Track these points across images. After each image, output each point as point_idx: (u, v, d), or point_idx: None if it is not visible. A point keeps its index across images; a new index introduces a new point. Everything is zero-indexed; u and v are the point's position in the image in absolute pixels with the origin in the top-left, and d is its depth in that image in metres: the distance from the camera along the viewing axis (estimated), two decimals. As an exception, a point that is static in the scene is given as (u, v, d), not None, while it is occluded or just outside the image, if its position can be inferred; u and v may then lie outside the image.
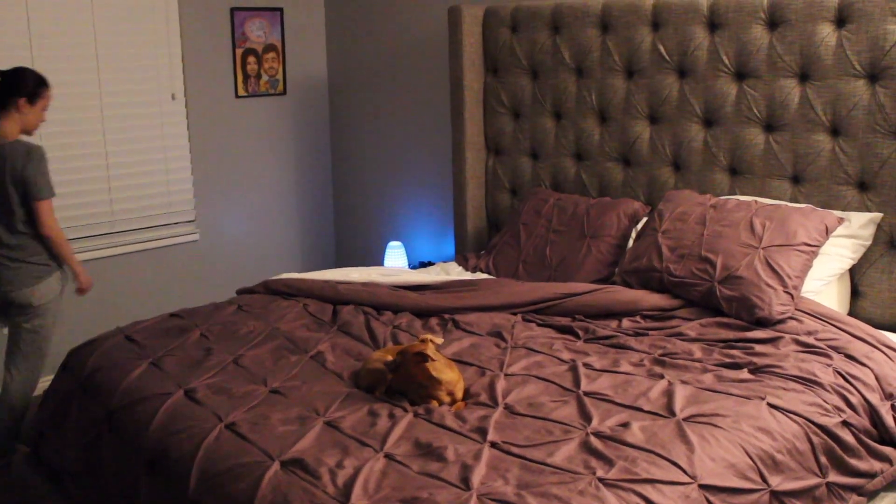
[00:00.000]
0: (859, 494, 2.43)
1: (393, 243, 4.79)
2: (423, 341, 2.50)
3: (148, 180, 4.65)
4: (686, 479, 2.03)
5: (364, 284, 3.49)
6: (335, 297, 3.41)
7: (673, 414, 2.30)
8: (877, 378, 2.62)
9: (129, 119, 4.53)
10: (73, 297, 4.50)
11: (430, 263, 4.41)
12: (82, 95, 4.35)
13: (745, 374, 2.57)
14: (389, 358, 2.54)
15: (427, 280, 3.53)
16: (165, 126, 4.68)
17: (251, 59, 4.98)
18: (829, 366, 2.60)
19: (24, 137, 3.49)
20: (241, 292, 3.63)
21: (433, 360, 2.42)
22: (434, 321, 3.18)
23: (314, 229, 5.48)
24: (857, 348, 2.72)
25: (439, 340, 2.55)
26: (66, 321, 4.42)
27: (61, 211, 4.32)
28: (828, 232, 3.02)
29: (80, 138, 4.37)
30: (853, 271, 3.19)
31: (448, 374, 2.46)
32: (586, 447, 2.15)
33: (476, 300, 3.27)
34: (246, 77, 4.98)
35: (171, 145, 4.72)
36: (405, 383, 2.50)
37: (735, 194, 3.43)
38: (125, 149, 4.54)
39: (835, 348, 2.71)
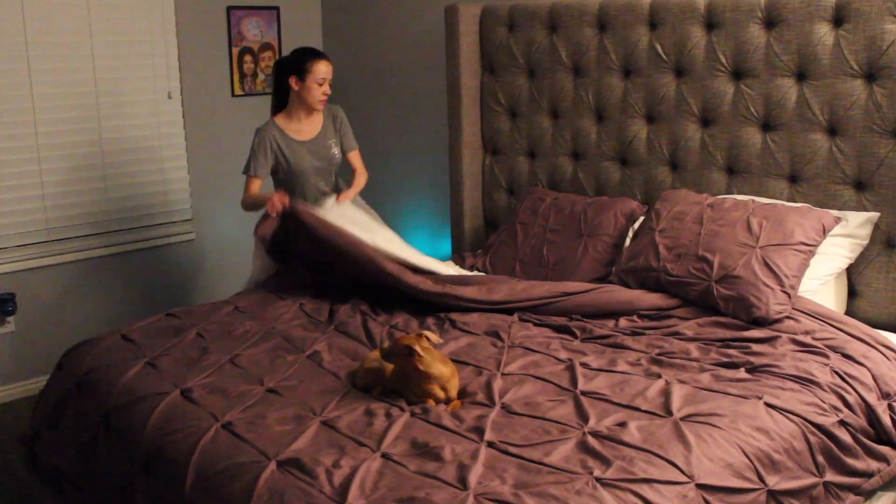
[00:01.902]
0: (856, 494, 2.43)
1: (390, 242, 4.78)
2: (420, 336, 2.49)
3: (144, 179, 4.64)
4: (683, 478, 2.03)
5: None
6: (348, 251, 3.32)
7: (670, 413, 2.30)
8: (874, 377, 2.62)
9: (125, 118, 4.52)
10: (70, 295, 4.50)
11: (426, 263, 4.39)
12: (78, 94, 4.34)
13: (742, 373, 2.57)
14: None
15: (433, 268, 3.47)
16: (162, 125, 4.67)
17: (247, 57, 4.97)
18: (826, 365, 2.60)
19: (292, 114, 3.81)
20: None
21: (420, 355, 2.41)
22: (431, 321, 3.17)
23: (311, 228, 5.47)
24: (855, 348, 2.72)
25: (436, 339, 2.54)
26: (62, 320, 4.41)
27: (62, 210, 4.34)
28: (825, 231, 3.02)
29: (76, 137, 4.36)
30: (850, 271, 3.19)
31: (439, 369, 2.45)
32: (583, 447, 2.14)
33: (474, 292, 3.24)
34: (242, 76, 4.97)
35: (167, 144, 4.71)
36: (400, 378, 2.49)
37: (732, 193, 3.43)
38: (121, 148, 4.52)
39: (832, 348, 2.71)
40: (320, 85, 3.72)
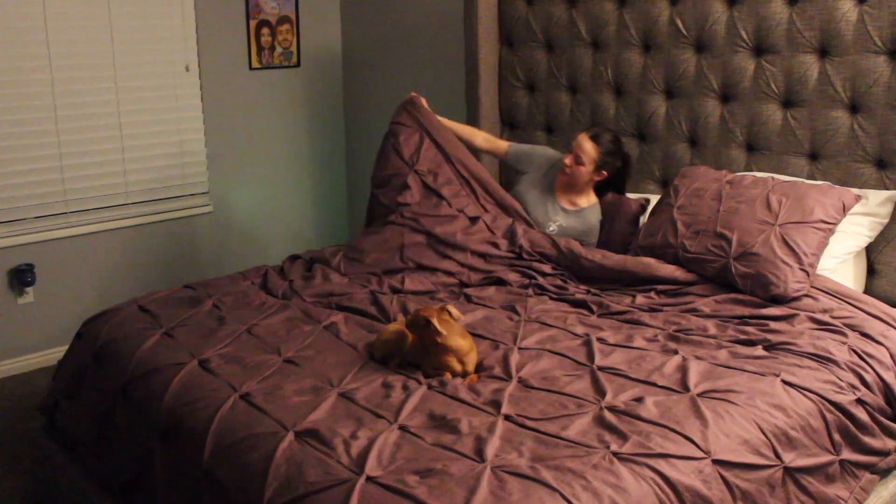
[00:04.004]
0: (872, 472, 2.43)
1: (406, 217, 4.77)
2: (442, 309, 2.49)
3: (162, 152, 4.65)
4: (700, 454, 2.03)
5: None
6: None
7: (687, 389, 2.30)
8: (892, 356, 2.62)
9: (143, 91, 4.52)
10: (88, 267, 4.54)
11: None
12: (96, 67, 4.34)
13: (759, 350, 2.56)
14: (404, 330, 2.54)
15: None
16: (179, 98, 4.67)
17: (265, 30, 4.96)
18: (844, 343, 2.59)
19: None
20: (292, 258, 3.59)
21: (437, 328, 2.42)
22: (445, 294, 3.17)
23: (327, 201, 5.48)
24: (873, 326, 2.71)
25: (458, 314, 2.53)
26: (80, 291, 4.45)
27: (80, 181, 4.35)
28: (845, 209, 3.00)
29: (94, 109, 4.37)
30: (869, 249, 3.17)
31: (457, 342, 2.45)
32: (600, 421, 2.15)
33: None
34: (260, 49, 4.96)
35: (184, 117, 4.71)
36: (418, 350, 2.50)
37: (751, 171, 3.41)
38: (139, 120, 4.53)
39: (850, 326, 2.70)
40: (570, 152, 3.53)
